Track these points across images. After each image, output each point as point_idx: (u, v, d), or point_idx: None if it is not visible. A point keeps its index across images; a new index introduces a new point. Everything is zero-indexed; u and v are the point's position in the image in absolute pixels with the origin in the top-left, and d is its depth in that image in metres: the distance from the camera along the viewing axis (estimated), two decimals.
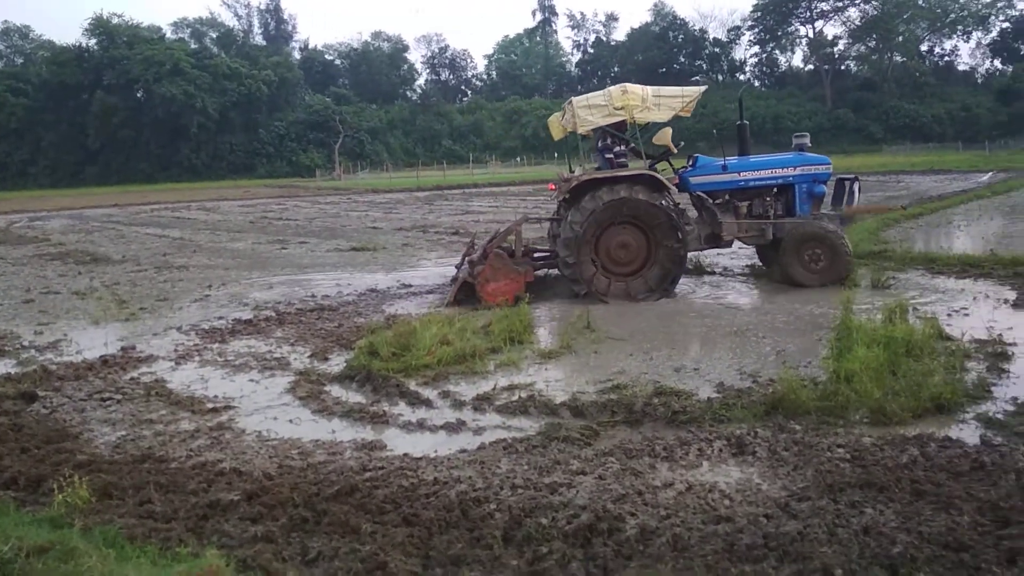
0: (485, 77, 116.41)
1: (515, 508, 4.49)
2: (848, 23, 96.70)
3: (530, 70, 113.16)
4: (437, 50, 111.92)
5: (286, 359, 8.52)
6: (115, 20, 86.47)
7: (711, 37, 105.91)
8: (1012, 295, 9.98)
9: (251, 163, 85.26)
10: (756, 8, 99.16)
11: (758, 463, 5.09)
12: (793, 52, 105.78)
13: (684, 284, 11.69)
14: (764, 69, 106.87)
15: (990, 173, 36.88)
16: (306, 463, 5.47)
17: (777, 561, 3.82)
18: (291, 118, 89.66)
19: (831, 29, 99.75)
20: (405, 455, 5.55)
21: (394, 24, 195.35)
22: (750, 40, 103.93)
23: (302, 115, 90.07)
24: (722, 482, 4.81)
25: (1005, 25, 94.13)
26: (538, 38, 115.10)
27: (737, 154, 12.10)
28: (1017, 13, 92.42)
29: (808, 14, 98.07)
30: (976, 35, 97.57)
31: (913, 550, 3.78)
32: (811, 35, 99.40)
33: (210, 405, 6.97)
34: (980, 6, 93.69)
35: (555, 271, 11.97)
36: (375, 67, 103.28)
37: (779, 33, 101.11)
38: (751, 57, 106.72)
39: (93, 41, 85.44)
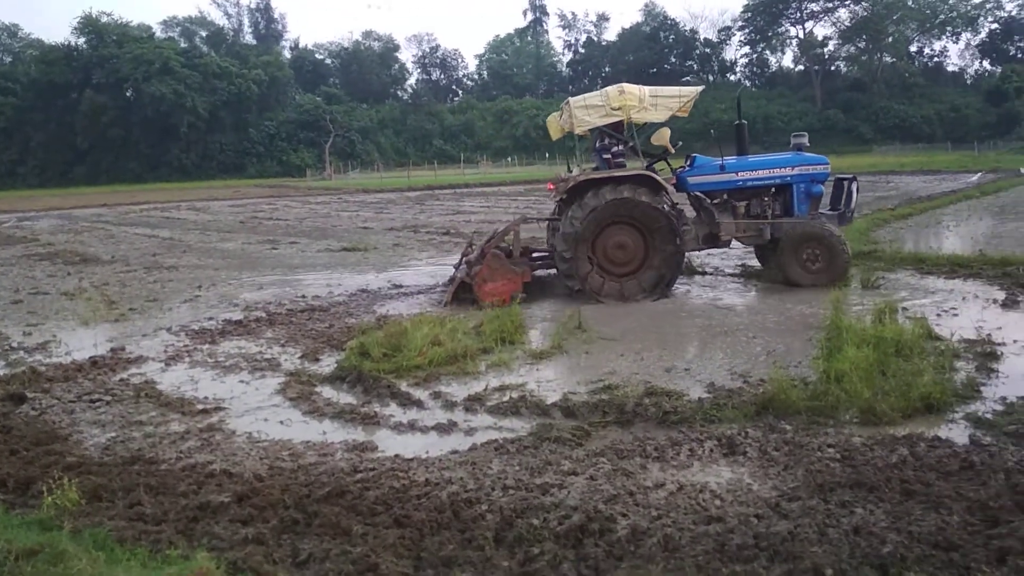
0: (476, 77, 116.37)
1: (506, 509, 4.49)
2: (838, 24, 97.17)
3: (521, 70, 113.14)
4: (428, 49, 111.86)
5: (276, 360, 8.50)
6: (104, 19, 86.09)
7: (702, 37, 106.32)
8: (1001, 295, 10.03)
9: (241, 163, 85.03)
10: (746, 8, 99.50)
11: (749, 463, 5.10)
12: (783, 53, 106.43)
13: (676, 284, 11.70)
14: (754, 69, 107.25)
15: (979, 173, 37.08)
16: (297, 464, 5.46)
17: (768, 561, 3.83)
18: (281, 117, 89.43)
19: (821, 30, 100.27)
20: (396, 456, 5.55)
21: (385, 23, 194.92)
22: (740, 40, 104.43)
23: (292, 114, 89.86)
24: (713, 482, 4.82)
25: (994, 26, 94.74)
26: (529, 38, 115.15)
27: (735, 154, 12.12)
28: (1006, 14, 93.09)
29: (798, 15, 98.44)
30: (965, 36, 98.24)
31: (903, 549, 3.79)
32: (801, 36, 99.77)
33: (200, 406, 6.95)
34: (969, 7, 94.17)
35: (553, 271, 11.96)
36: (366, 66, 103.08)
37: (769, 34, 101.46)
38: (741, 57, 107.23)
39: (82, 40, 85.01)
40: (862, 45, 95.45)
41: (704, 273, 13.19)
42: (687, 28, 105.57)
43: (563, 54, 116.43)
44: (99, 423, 6.61)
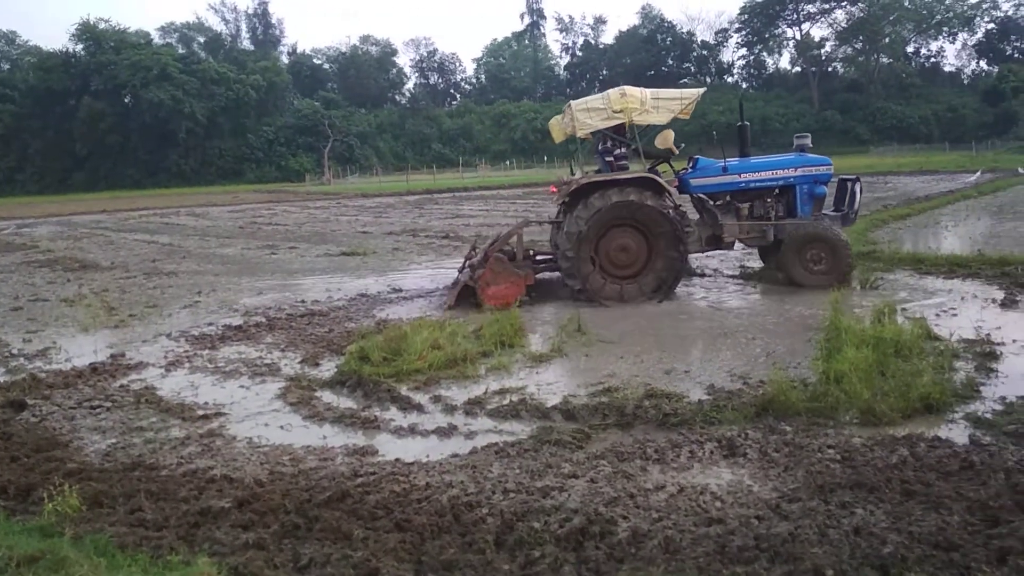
0: (474, 80, 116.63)
1: (507, 512, 4.49)
2: (835, 25, 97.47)
3: (519, 73, 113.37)
4: (426, 54, 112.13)
5: (276, 365, 8.50)
6: (102, 25, 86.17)
7: (699, 40, 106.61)
8: (1000, 295, 10.04)
9: (240, 168, 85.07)
10: (743, 11, 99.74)
11: (749, 465, 5.11)
12: (780, 54, 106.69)
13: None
14: (752, 71, 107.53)
15: (977, 173, 37.10)
16: (297, 469, 5.46)
17: (768, 562, 3.83)
18: (280, 123, 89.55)
19: (818, 31, 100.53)
20: (397, 460, 5.55)
21: (383, 28, 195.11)
22: (737, 43, 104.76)
23: (291, 120, 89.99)
24: (713, 484, 4.83)
25: (990, 26, 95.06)
26: (526, 41, 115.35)
27: (738, 155, 12.11)
28: (1002, 14, 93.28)
29: (795, 16, 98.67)
30: (962, 36, 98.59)
31: (903, 550, 3.79)
32: (798, 37, 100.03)
33: (200, 412, 6.95)
34: (965, 7, 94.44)
35: (556, 274, 11.95)
36: (364, 71, 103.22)
37: (766, 35, 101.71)
38: (739, 59, 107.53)
39: (80, 46, 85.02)
40: (859, 46, 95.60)
41: (703, 275, 13.19)
42: (684, 30, 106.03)
43: (560, 57, 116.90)
44: (99, 429, 6.61)
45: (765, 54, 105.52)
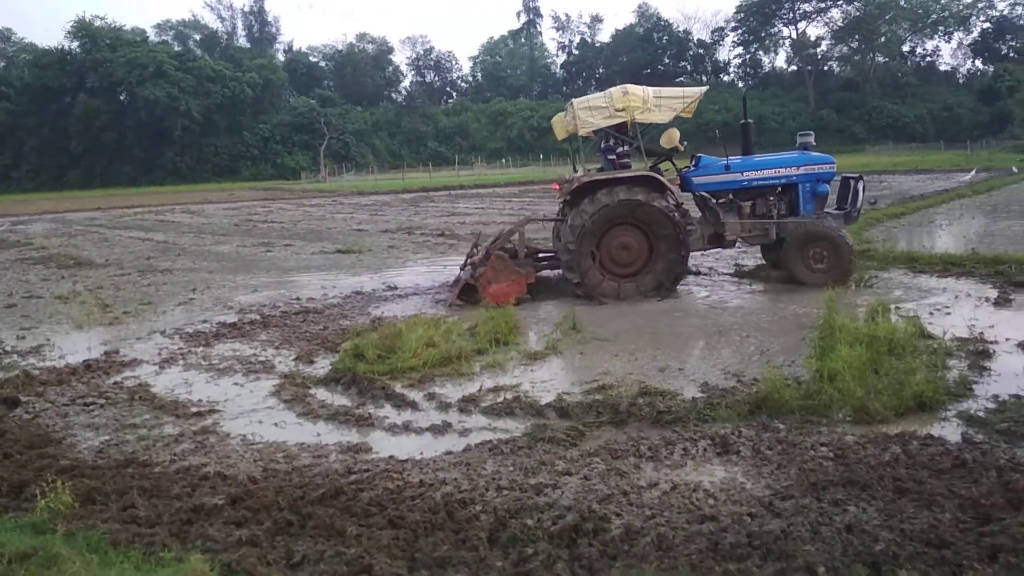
0: (470, 79, 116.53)
1: (501, 509, 4.50)
2: (831, 24, 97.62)
3: (515, 71, 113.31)
4: (422, 52, 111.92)
5: (271, 362, 8.49)
6: (98, 22, 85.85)
7: (695, 38, 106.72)
8: (993, 293, 10.07)
9: (235, 166, 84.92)
10: (739, 9, 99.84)
11: (742, 462, 5.12)
12: (776, 53, 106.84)
13: None
14: (748, 70, 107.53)
15: (972, 172, 37.18)
16: (291, 466, 5.46)
17: (761, 559, 3.84)
18: (276, 120, 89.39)
19: (814, 30, 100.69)
20: (391, 457, 5.55)
21: (379, 26, 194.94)
22: (734, 41, 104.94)
23: (287, 117, 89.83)
24: (706, 481, 4.84)
25: (986, 25, 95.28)
26: (523, 39, 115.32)
27: (740, 154, 12.12)
28: (997, 13, 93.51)
29: (791, 15, 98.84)
30: (957, 35, 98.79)
31: (895, 547, 3.81)
32: (794, 36, 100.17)
33: (194, 409, 6.94)
34: (961, 6, 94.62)
35: (558, 272, 11.94)
36: (360, 69, 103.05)
37: (762, 34, 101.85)
38: (735, 58, 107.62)
39: (75, 44, 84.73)
40: (855, 45, 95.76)
41: (699, 273, 13.19)
42: (680, 29, 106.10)
43: (557, 55, 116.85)
44: (93, 426, 6.60)
45: (761, 53, 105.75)
